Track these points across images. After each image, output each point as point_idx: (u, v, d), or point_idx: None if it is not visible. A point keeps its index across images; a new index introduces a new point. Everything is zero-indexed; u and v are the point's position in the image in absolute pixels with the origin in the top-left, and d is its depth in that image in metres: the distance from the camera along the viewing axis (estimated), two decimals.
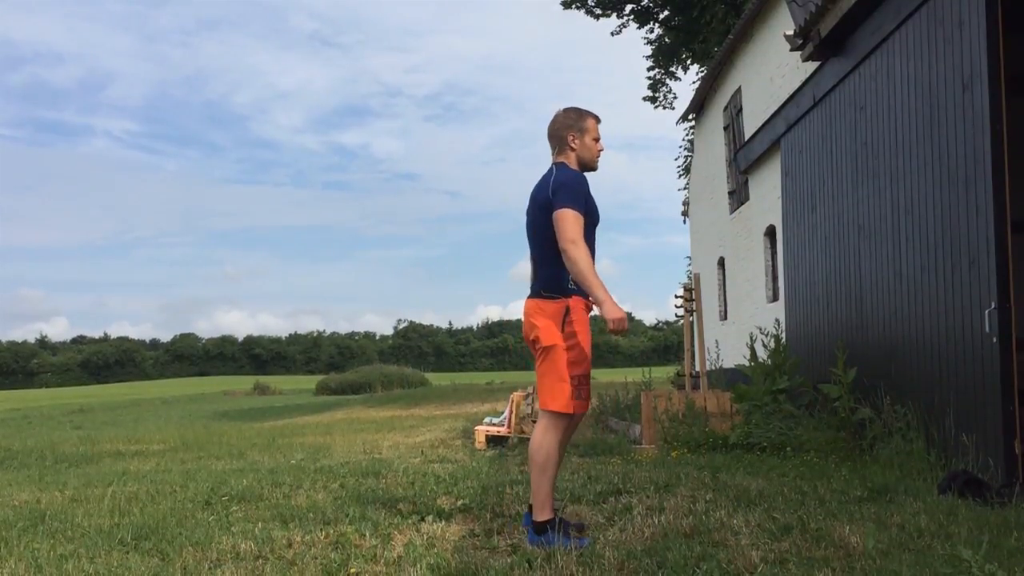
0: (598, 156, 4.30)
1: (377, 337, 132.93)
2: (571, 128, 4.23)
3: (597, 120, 4.31)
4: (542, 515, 4.02)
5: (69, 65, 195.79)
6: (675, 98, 24.58)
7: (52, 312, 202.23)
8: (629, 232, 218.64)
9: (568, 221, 3.97)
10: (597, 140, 4.28)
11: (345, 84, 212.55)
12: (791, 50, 8.81)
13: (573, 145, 4.22)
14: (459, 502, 5.19)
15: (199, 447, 10.94)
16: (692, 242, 18.35)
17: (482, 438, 9.49)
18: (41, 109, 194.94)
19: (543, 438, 4.05)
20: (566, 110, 4.31)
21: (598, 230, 4.25)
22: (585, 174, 4.23)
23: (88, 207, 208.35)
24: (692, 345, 9.73)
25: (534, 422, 9.81)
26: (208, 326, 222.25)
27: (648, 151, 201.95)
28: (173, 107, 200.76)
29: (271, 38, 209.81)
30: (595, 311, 4.18)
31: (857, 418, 6.83)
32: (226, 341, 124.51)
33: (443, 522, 4.62)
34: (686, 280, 10.99)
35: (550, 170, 4.21)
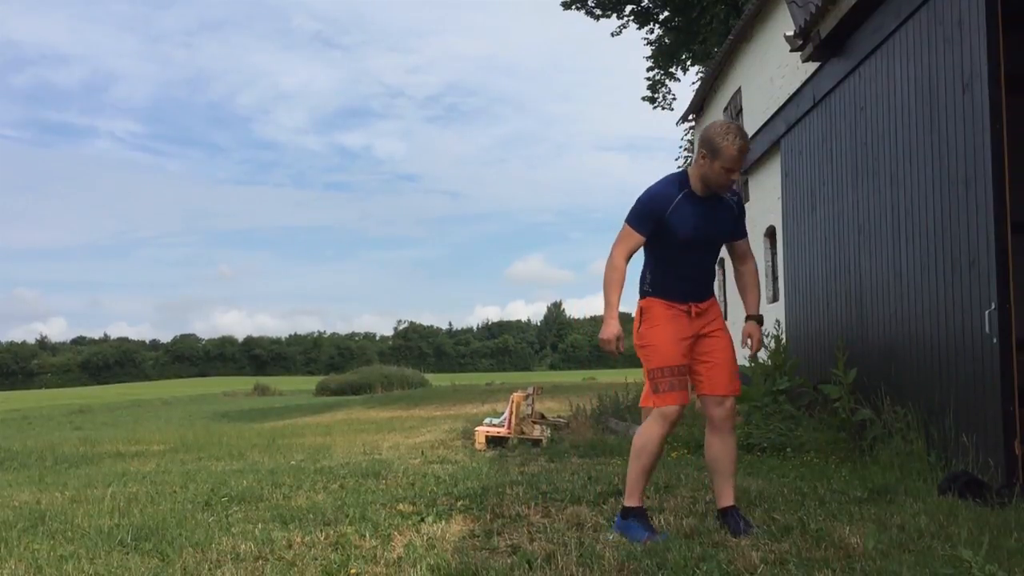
0: (724, 185, 4.07)
1: (377, 338, 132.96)
2: (706, 145, 4.02)
3: (738, 151, 3.97)
4: (629, 501, 4.18)
5: (73, 66, 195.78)
6: (675, 99, 24.64)
7: (50, 312, 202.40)
8: None
9: (619, 235, 4.18)
10: (728, 170, 4.01)
11: (347, 85, 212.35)
12: (791, 51, 8.81)
13: (700, 162, 4.08)
14: (459, 503, 5.19)
15: (199, 448, 10.93)
16: None
17: (482, 439, 9.48)
18: (45, 110, 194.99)
19: (644, 427, 4.27)
20: (719, 125, 4.05)
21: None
22: (697, 193, 4.11)
23: (90, 208, 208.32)
24: None
25: (535, 423, 9.81)
26: (206, 326, 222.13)
27: (648, 152, 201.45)
28: (176, 108, 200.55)
29: (274, 39, 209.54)
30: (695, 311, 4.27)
31: (857, 419, 6.82)
32: (226, 342, 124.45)
33: (443, 523, 4.62)
34: None
35: (663, 180, 4.21)
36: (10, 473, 8.70)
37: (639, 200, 4.15)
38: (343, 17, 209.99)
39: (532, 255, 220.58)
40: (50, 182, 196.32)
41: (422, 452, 8.93)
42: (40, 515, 5.22)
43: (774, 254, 11.64)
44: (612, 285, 4.12)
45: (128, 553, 4.09)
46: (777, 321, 9.57)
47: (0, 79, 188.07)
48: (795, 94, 9.35)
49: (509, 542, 4.11)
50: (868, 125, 7.28)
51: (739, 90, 13.40)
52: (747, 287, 4.46)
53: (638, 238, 4.14)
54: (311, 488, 6.07)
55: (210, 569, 3.75)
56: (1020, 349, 5.32)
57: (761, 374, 8.38)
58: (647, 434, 4.20)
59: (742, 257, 4.44)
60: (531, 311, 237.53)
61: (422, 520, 4.69)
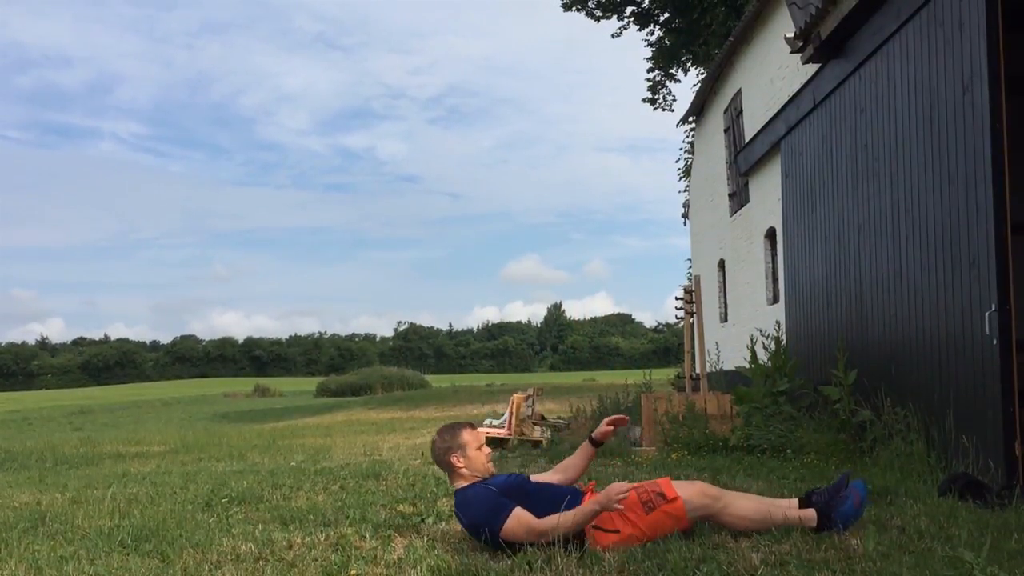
0: (488, 461, 4.26)
1: (377, 339, 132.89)
2: (451, 451, 4.20)
3: (472, 428, 4.32)
4: None
5: (77, 68, 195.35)
6: (675, 100, 24.61)
7: (47, 313, 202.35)
8: (630, 234, 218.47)
9: (519, 529, 3.88)
10: (480, 448, 4.24)
11: (349, 86, 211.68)
12: (791, 52, 8.81)
13: (458, 465, 4.18)
14: None
15: (199, 449, 10.94)
16: (692, 244, 18.34)
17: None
18: (49, 112, 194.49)
19: None
20: (439, 433, 4.30)
21: None
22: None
23: (92, 209, 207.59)
24: (692, 347, 9.72)
25: (535, 424, 9.81)
26: (204, 327, 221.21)
27: (649, 153, 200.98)
28: (179, 110, 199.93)
29: (276, 40, 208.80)
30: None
31: (857, 420, 6.82)
32: (226, 343, 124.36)
33: (443, 524, 4.63)
34: (686, 282, 11.00)
35: (456, 502, 4.15)
36: (10, 474, 8.70)
37: (483, 508, 3.95)
38: (345, 18, 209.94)
39: (529, 256, 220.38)
40: (53, 183, 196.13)
41: (422, 453, 8.93)
42: (40, 516, 5.22)
43: (774, 255, 11.64)
44: (567, 521, 3.82)
45: (128, 554, 4.10)
46: (777, 322, 9.57)
47: (4, 80, 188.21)
48: (795, 96, 9.35)
49: None
50: (868, 126, 7.28)
51: (739, 92, 13.40)
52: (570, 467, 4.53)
53: (525, 515, 3.90)
54: (311, 489, 6.07)
55: (210, 570, 3.75)
56: (1020, 351, 5.32)
57: (761, 375, 8.38)
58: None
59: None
60: (529, 312, 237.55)
61: (422, 521, 4.69)
